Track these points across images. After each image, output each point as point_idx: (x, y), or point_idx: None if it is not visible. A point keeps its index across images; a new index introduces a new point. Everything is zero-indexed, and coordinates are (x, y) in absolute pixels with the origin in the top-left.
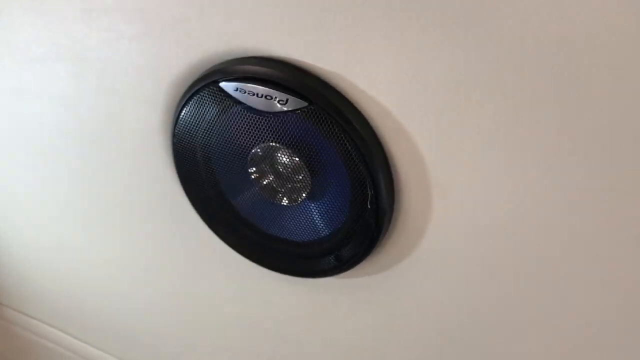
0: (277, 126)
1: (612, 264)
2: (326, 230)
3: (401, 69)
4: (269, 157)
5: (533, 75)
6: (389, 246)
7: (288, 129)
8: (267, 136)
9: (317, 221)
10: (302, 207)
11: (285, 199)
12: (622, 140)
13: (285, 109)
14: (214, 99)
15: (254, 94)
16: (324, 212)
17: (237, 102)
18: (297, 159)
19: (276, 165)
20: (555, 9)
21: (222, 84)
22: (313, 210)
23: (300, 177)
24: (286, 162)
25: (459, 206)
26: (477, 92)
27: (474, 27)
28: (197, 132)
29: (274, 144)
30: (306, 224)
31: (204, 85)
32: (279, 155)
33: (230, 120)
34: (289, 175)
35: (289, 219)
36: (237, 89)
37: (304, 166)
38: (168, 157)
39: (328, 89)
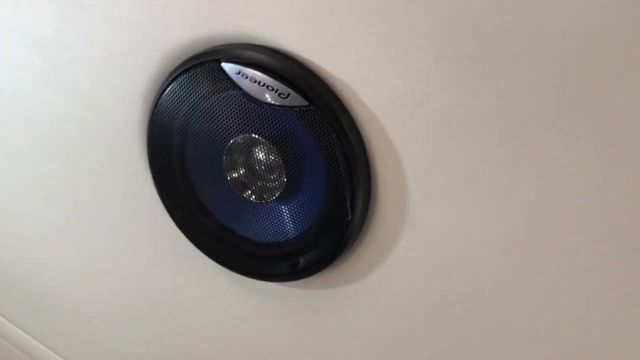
0: (269, 119)
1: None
2: (290, 234)
3: (409, 93)
4: (247, 150)
5: (531, 129)
6: (348, 264)
7: (279, 123)
8: (254, 127)
9: (284, 223)
10: (270, 207)
11: (254, 195)
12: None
13: (284, 103)
14: (210, 78)
15: (255, 82)
16: (292, 215)
17: (235, 85)
18: (276, 157)
19: (251, 160)
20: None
21: (224, 64)
22: (282, 211)
23: (274, 176)
24: (262, 158)
25: (425, 240)
26: (473, 133)
27: (492, 69)
28: (180, 107)
29: (257, 136)
30: (270, 224)
31: (203, 62)
32: (258, 150)
33: (221, 103)
34: (263, 172)
35: (253, 216)
36: (239, 72)
37: (282, 165)
38: (142, 128)
39: (331, 94)
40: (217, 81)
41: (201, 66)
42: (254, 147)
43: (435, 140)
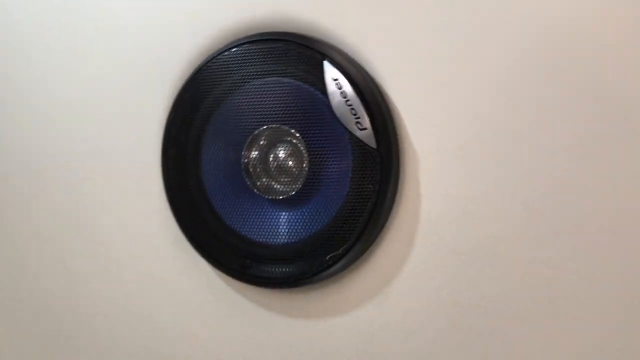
0: (328, 134)
1: None
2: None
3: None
4: (271, 144)
5: None
6: (323, 292)
7: (335, 143)
8: (303, 128)
9: (280, 226)
10: (273, 206)
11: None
12: None
13: (355, 133)
14: (298, 61)
15: (344, 98)
16: (292, 222)
17: (322, 86)
18: (303, 159)
19: (278, 160)
20: None
21: (327, 63)
22: (281, 214)
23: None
24: (287, 161)
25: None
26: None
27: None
28: (227, 78)
29: (296, 135)
30: (265, 223)
31: (299, 43)
32: (284, 148)
33: (281, 92)
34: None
35: (252, 211)
36: (336, 79)
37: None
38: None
39: (396, 151)
40: (305, 70)
41: (294, 46)
42: (282, 143)
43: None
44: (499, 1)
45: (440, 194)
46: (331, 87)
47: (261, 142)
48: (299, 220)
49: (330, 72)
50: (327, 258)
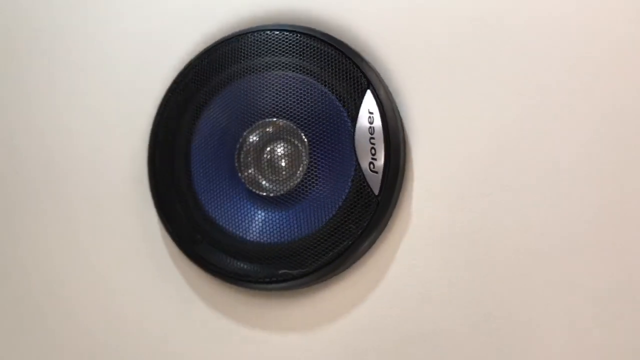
0: (333, 154)
1: None
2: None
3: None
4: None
5: None
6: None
7: (338, 165)
8: (314, 143)
9: (250, 221)
10: (249, 198)
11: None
12: None
13: (362, 171)
14: (334, 74)
15: (370, 134)
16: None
17: (350, 110)
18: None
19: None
20: None
21: (370, 93)
22: (255, 210)
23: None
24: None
25: None
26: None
27: None
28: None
29: (301, 141)
30: (235, 210)
31: (347, 58)
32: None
33: (306, 91)
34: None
35: (227, 194)
36: (371, 113)
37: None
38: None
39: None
40: (343, 87)
41: (339, 56)
42: (284, 141)
43: None
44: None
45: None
46: (363, 116)
47: (267, 130)
48: (270, 223)
49: (369, 103)
50: (280, 272)
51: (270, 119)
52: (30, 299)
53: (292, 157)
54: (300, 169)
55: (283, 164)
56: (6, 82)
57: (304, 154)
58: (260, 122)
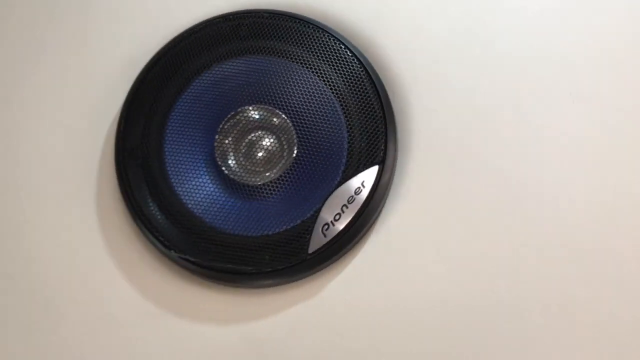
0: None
1: None
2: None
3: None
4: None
5: None
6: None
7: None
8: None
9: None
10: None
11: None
12: None
13: (328, 221)
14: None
15: (355, 193)
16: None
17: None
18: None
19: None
20: None
21: (376, 169)
22: (219, 192)
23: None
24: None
25: None
26: None
27: None
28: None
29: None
30: (200, 189)
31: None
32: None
33: (317, 94)
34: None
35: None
36: (362, 183)
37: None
38: None
39: None
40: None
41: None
42: (271, 132)
43: None
44: None
45: None
46: (354, 181)
47: (253, 114)
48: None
49: (368, 176)
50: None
51: (262, 105)
52: None
53: (273, 150)
54: (280, 165)
55: (260, 155)
56: None
57: (285, 153)
58: (253, 106)
